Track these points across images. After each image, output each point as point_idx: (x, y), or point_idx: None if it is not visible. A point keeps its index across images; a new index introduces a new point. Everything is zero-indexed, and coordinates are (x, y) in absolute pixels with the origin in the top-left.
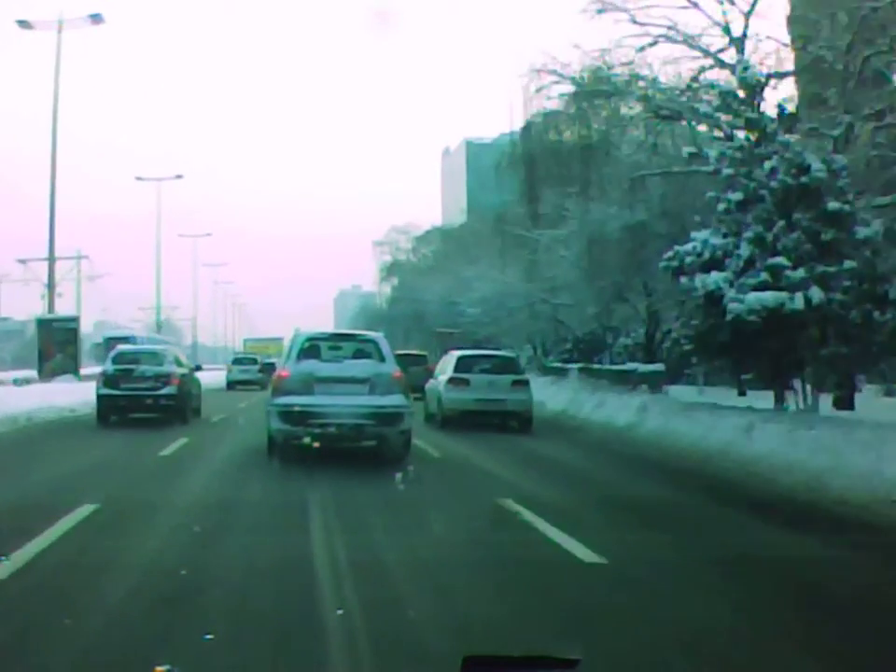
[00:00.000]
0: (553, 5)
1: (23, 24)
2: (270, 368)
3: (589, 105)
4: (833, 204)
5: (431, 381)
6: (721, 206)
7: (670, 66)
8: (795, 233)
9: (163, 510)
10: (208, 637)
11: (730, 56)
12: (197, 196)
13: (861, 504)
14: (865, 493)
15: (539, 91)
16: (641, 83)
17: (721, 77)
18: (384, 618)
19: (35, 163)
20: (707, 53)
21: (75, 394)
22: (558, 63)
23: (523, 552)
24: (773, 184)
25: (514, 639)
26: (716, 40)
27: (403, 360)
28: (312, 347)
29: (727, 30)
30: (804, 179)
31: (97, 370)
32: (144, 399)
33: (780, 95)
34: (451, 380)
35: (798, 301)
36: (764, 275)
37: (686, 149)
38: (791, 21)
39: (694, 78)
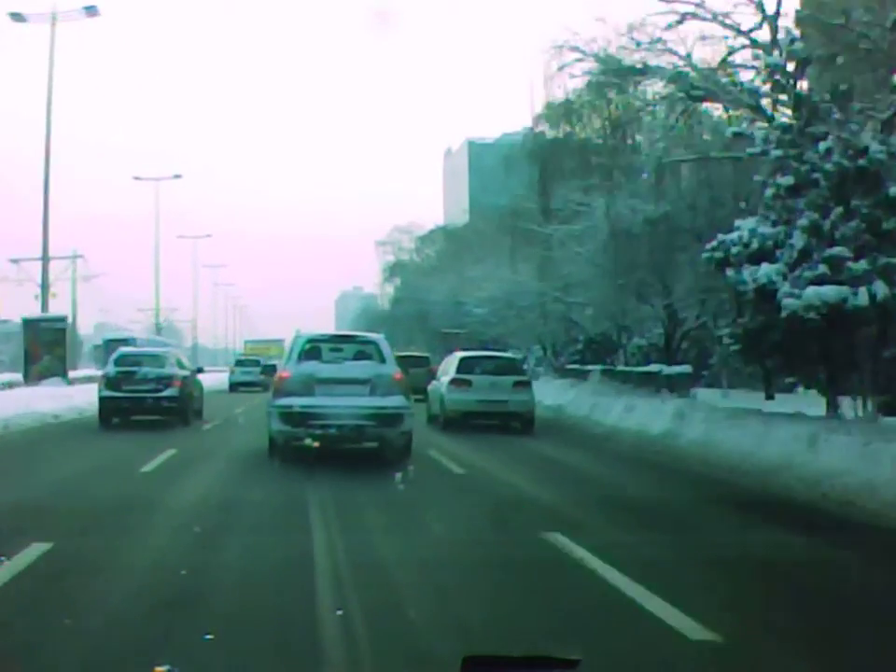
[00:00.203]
0: None
1: (16, 17)
2: (271, 370)
3: (613, 87)
4: (894, 189)
5: (434, 382)
6: (770, 192)
7: (702, 44)
8: (854, 221)
9: (125, 557)
10: None
11: (763, 35)
12: (197, 197)
13: None
14: None
15: (561, 69)
16: (674, 57)
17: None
18: None
19: (30, 162)
20: (738, 32)
21: (61, 399)
22: (581, 38)
23: (602, 621)
24: (827, 167)
25: None
26: (747, 18)
27: (405, 362)
28: (312, 349)
29: (761, 6)
30: (861, 162)
31: (93, 371)
32: (146, 401)
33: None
34: (453, 381)
35: (862, 297)
36: (823, 268)
37: (731, 129)
38: None
39: (724, 59)
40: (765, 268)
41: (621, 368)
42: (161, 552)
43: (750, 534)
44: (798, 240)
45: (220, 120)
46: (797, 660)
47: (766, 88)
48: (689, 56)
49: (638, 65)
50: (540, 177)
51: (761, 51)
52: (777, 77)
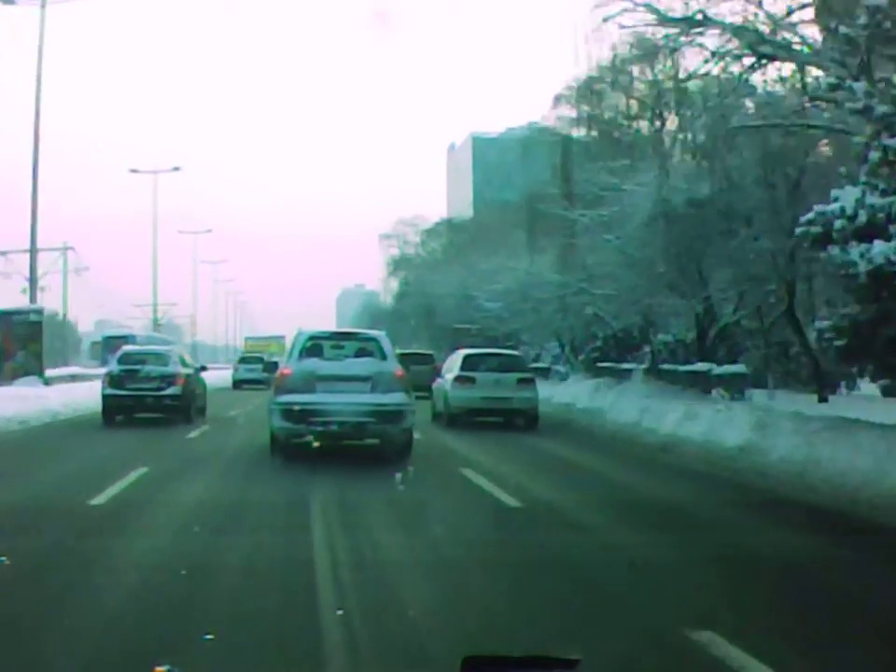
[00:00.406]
0: None
1: (6, 0)
2: (273, 367)
3: (665, 47)
4: None
5: (439, 380)
6: (875, 155)
7: None
8: None
9: None
10: None
11: None
12: (198, 195)
13: None
14: None
15: (605, 20)
16: (739, 5)
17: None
18: None
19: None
20: None
21: (32, 401)
22: None
23: None
24: None
25: None
26: None
27: (409, 359)
28: (314, 346)
29: None
30: None
31: (79, 370)
32: (149, 399)
33: None
34: (457, 378)
35: None
36: None
37: (826, 79)
38: None
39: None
40: (881, 246)
41: (667, 367)
42: None
43: None
44: None
45: (221, 117)
46: None
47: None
48: (761, 2)
49: (695, 17)
50: (562, 160)
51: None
52: (879, 20)
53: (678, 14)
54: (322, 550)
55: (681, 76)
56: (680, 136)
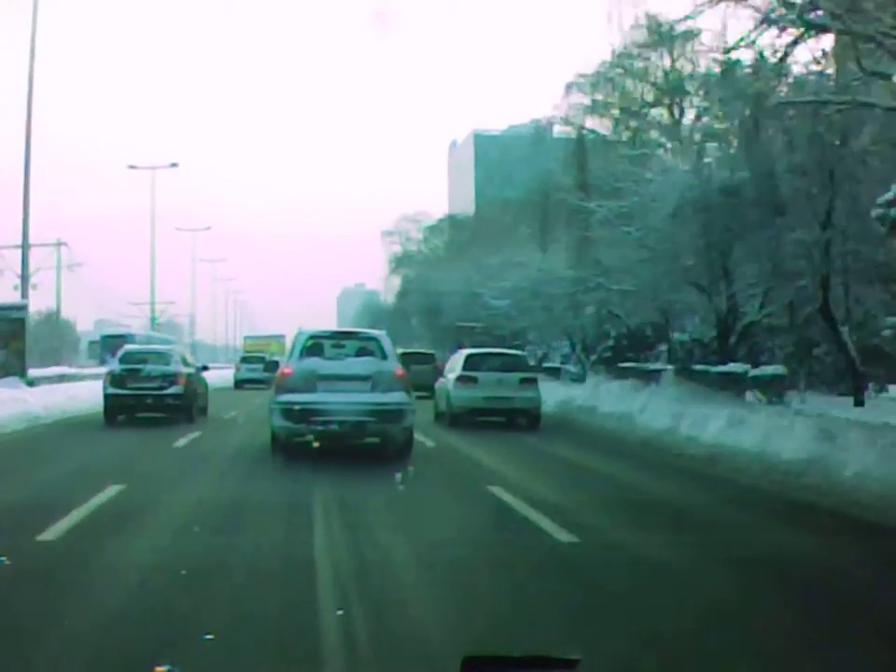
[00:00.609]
0: None
1: None
2: (274, 366)
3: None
4: None
5: (441, 379)
6: None
7: None
8: None
9: None
10: None
11: None
12: (197, 194)
13: None
14: None
15: None
16: None
17: None
18: None
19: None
20: None
21: (9, 404)
22: None
23: None
24: None
25: None
26: None
27: (410, 359)
28: (314, 345)
29: None
30: None
31: (65, 370)
32: (151, 398)
33: None
34: (459, 378)
35: None
36: None
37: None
38: None
39: None
40: None
41: (700, 367)
42: None
43: None
44: None
45: (221, 116)
46: None
47: None
48: None
49: None
50: (577, 149)
51: None
52: None
53: None
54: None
55: (704, 59)
56: (700, 124)
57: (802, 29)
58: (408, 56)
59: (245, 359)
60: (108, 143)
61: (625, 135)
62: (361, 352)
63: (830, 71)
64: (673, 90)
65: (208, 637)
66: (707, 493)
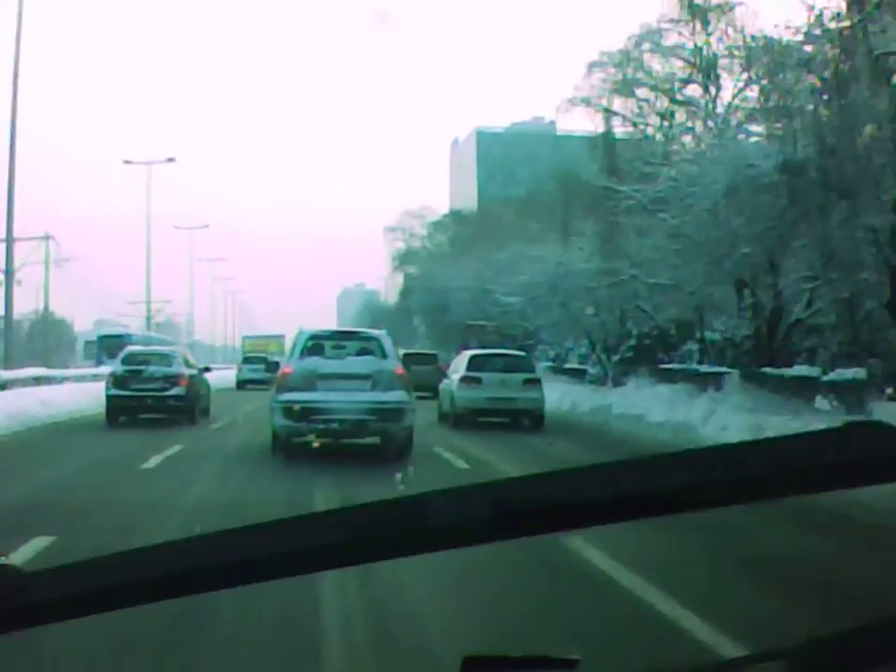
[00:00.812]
0: None
1: None
2: (276, 367)
3: None
4: None
5: (445, 380)
6: None
7: None
8: None
9: None
10: None
11: None
12: (197, 194)
13: None
14: None
15: None
16: None
17: None
18: None
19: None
20: None
21: None
22: None
23: None
24: None
25: None
26: None
27: (412, 359)
28: (315, 345)
29: None
30: None
31: (42, 371)
32: (152, 399)
33: None
34: (463, 379)
35: None
36: None
37: None
38: None
39: None
40: None
41: (770, 371)
42: None
43: None
44: None
45: (221, 116)
46: None
47: None
48: None
49: None
50: (605, 132)
51: None
52: None
53: None
54: None
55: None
56: (739, 101)
57: None
58: (407, 55)
59: (246, 360)
60: (109, 144)
61: (654, 116)
62: (362, 351)
63: None
64: (709, 65)
65: None
66: (837, 542)
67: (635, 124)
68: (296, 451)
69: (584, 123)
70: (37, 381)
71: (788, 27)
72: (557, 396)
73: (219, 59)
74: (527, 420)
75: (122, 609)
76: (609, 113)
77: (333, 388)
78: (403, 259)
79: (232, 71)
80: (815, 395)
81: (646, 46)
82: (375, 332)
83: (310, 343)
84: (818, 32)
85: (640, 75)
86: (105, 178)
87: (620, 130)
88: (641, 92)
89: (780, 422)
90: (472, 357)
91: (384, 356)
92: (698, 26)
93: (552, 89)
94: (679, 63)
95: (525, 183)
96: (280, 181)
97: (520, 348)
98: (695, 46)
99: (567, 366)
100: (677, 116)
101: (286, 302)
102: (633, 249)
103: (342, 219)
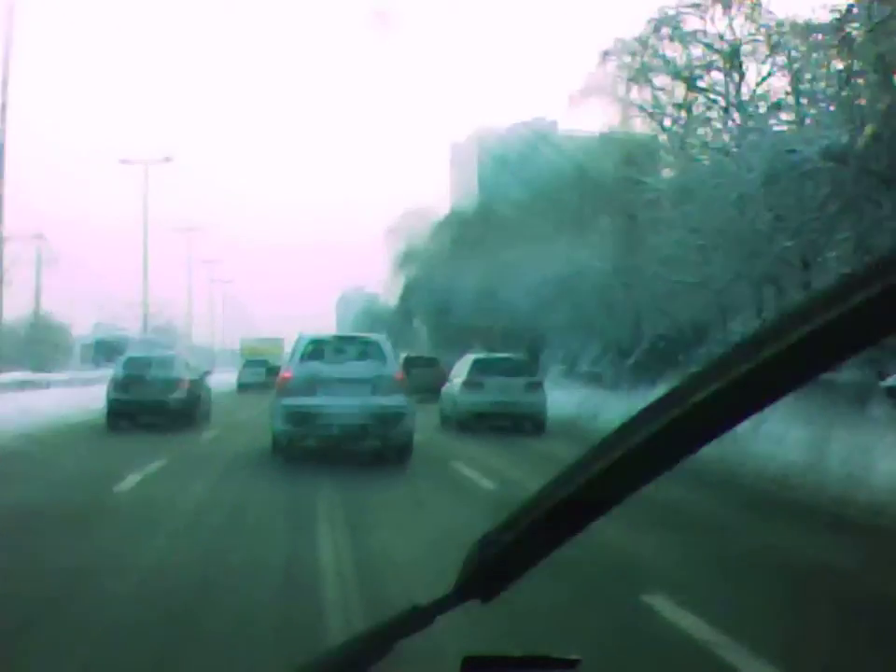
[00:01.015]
0: None
1: None
2: (277, 371)
3: None
4: None
5: (447, 384)
6: None
7: None
8: None
9: None
10: None
11: None
12: (197, 198)
13: None
14: None
15: None
16: None
17: None
18: None
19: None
20: None
21: None
22: None
23: None
24: None
25: None
26: None
27: (413, 363)
28: (315, 349)
29: None
30: None
31: (27, 375)
32: (154, 404)
33: None
34: (465, 383)
35: None
36: None
37: None
38: None
39: None
40: None
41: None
42: None
43: None
44: None
45: (221, 116)
46: None
47: None
48: None
49: None
50: (622, 122)
51: None
52: None
53: None
54: None
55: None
56: (762, 89)
57: None
58: (407, 56)
59: (248, 363)
60: (106, 148)
61: (671, 107)
62: (361, 356)
63: None
64: (732, 51)
65: None
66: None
67: (652, 114)
68: (295, 471)
69: (594, 118)
70: (22, 385)
71: (823, 7)
72: (576, 401)
73: (217, 60)
74: (529, 424)
75: None
76: (626, 101)
77: (333, 393)
78: (405, 259)
79: (231, 72)
80: (868, 402)
81: (664, 31)
82: (375, 337)
83: (310, 348)
84: (856, 11)
85: (658, 62)
86: (104, 181)
87: (636, 121)
88: (659, 81)
89: (842, 435)
90: (475, 362)
91: (383, 360)
92: (719, 10)
93: (552, 89)
94: (699, 50)
95: (529, 182)
96: (278, 184)
97: (527, 351)
98: (720, 31)
99: (582, 370)
100: (696, 104)
101: (285, 307)
102: (653, 245)
103: (340, 224)
